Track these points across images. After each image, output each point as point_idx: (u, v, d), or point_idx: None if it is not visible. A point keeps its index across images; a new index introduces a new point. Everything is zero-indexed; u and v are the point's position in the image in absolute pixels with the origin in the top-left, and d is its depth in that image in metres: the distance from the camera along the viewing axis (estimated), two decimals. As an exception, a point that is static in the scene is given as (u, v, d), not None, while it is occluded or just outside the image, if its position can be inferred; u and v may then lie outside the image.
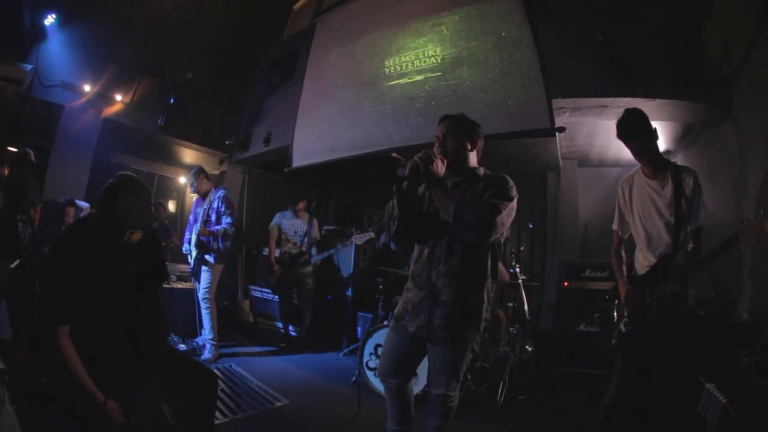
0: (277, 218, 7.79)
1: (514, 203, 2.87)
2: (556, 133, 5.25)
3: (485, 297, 2.95)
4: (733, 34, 4.86)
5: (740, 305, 4.48)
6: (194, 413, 2.78)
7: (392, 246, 7.60)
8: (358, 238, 7.26)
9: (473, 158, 3.15)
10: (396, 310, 3.19)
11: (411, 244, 3.31)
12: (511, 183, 2.96)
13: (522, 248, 6.77)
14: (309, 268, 7.46)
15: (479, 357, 5.27)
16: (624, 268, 3.69)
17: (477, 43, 5.98)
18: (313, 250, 7.56)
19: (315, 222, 7.75)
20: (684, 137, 6.21)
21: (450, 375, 2.97)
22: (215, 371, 5.53)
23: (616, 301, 3.68)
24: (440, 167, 2.84)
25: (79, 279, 2.49)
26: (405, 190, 2.90)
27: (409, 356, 3.13)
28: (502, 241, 3.18)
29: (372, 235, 7.30)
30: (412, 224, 2.99)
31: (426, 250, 3.03)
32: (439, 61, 6.33)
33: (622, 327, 3.49)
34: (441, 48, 6.33)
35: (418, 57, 6.57)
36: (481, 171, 3.12)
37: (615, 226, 3.81)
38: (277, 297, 7.83)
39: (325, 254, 7.48)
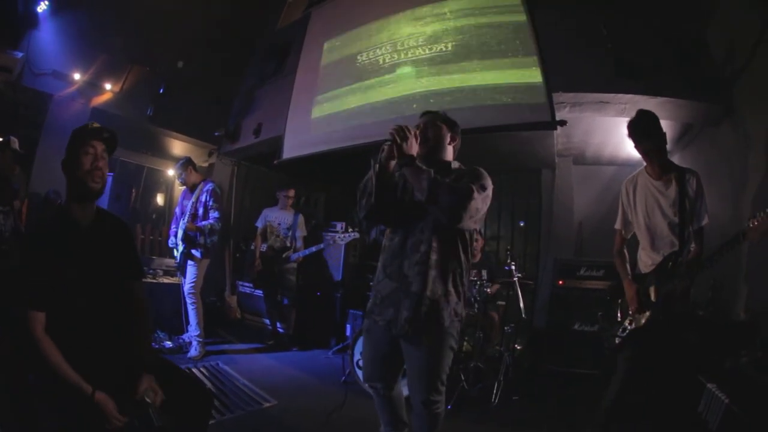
0: (264, 213, 7.72)
1: (489, 192, 2.81)
2: (555, 128, 5.18)
3: (456, 288, 2.87)
4: (737, 34, 4.86)
5: (738, 305, 4.50)
6: (182, 420, 2.68)
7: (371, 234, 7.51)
8: (341, 238, 7.17)
9: (451, 153, 3.12)
10: (367, 306, 3.10)
11: (373, 224, 3.24)
12: (486, 174, 2.89)
13: (508, 248, 6.67)
14: (291, 264, 7.36)
15: (474, 356, 5.19)
16: (627, 266, 3.69)
17: (476, 34, 5.90)
18: (300, 245, 7.44)
19: (301, 217, 7.62)
20: (682, 137, 6.20)
21: (429, 378, 2.83)
22: (202, 370, 5.46)
23: (620, 300, 3.67)
24: (413, 146, 2.78)
25: (56, 263, 2.44)
26: (383, 161, 2.79)
27: (388, 357, 3.00)
28: (477, 229, 3.11)
29: (356, 235, 7.20)
30: (389, 203, 2.90)
31: (397, 239, 2.94)
32: (435, 51, 6.24)
33: (627, 325, 3.48)
34: (438, 38, 6.24)
35: (414, 47, 6.48)
36: (456, 164, 3.09)
37: (618, 226, 3.82)
38: (260, 292, 7.74)
39: (302, 254, 7.35)
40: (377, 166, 2.81)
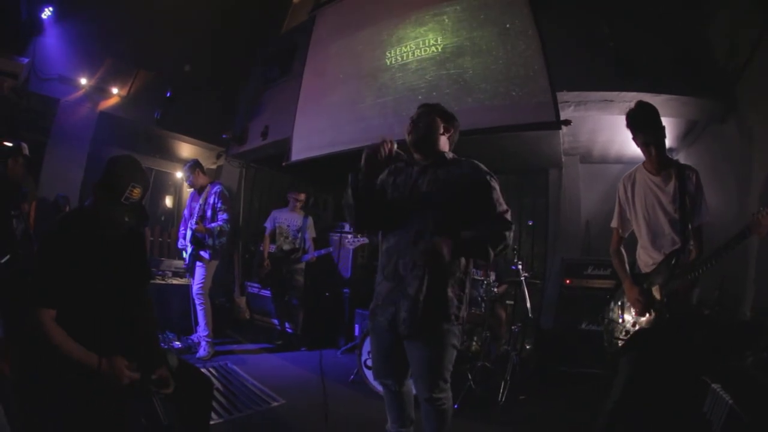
0: (273, 215, 7.76)
1: (498, 189, 2.90)
2: (560, 128, 5.17)
3: (455, 290, 2.87)
4: (739, 30, 4.83)
5: (744, 304, 4.45)
6: (188, 419, 2.72)
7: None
8: (351, 242, 7.18)
9: (444, 144, 3.12)
10: (370, 307, 3.11)
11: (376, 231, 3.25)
12: (483, 167, 2.95)
13: (515, 247, 6.66)
14: (300, 265, 7.41)
15: (480, 356, 5.19)
16: (626, 266, 3.62)
17: (480, 33, 5.90)
18: (309, 248, 7.48)
19: (310, 220, 7.68)
20: (687, 134, 6.17)
21: (431, 376, 2.85)
22: (210, 370, 5.49)
23: (620, 301, 3.61)
24: (389, 149, 2.81)
25: (71, 265, 2.47)
26: (361, 182, 2.83)
27: (395, 355, 3.01)
28: None
29: (365, 240, 7.21)
30: (374, 213, 2.94)
31: (393, 240, 2.96)
32: (440, 50, 6.26)
33: (629, 326, 3.42)
34: (442, 37, 6.26)
35: (418, 47, 6.50)
36: (450, 155, 3.09)
37: (615, 224, 3.75)
38: (268, 292, 7.78)
39: (316, 254, 7.39)
40: (353, 182, 2.86)
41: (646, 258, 3.48)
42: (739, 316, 4.38)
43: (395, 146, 2.87)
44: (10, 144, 5.64)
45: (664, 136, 3.39)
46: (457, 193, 2.85)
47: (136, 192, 2.70)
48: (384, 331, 2.95)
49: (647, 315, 3.32)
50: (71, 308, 2.44)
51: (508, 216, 2.86)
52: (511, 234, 2.84)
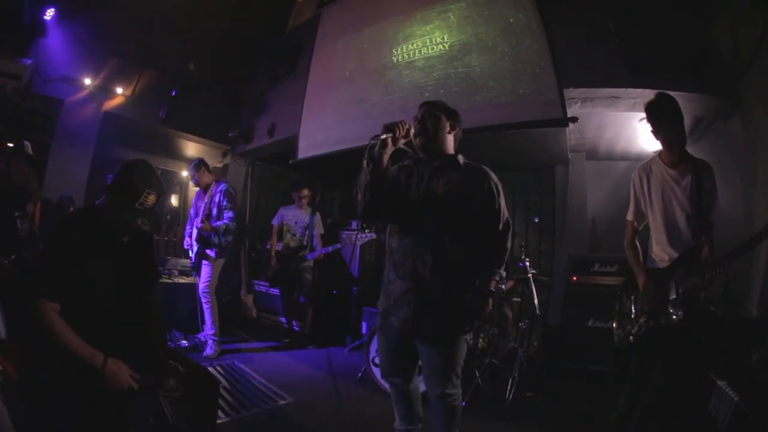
0: (280, 212, 7.74)
1: (503, 196, 2.99)
2: (567, 125, 5.15)
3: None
4: (743, 27, 4.81)
5: (750, 301, 4.42)
6: (195, 418, 2.73)
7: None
8: (358, 239, 7.17)
9: (451, 143, 3.12)
10: (381, 306, 3.11)
11: (384, 225, 3.27)
12: (494, 177, 2.99)
13: (522, 244, 6.65)
14: (307, 263, 7.38)
15: (488, 353, 5.19)
16: (641, 260, 3.53)
17: (485, 30, 5.87)
18: (317, 245, 7.46)
19: (318, 216, 7.64)
20: (693, 131, 6.13)
21: (444, 374, 2.88)
22: (217, 368, 5.50)
23: (633, 297, 3.50)
24: (405, 129, 2.88)
25: (76, 261, 2.49)
26: (377, 153, 2.81)
27: (405, 353, 3.04)
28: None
29: (373, 236, 7.20)
30: (386, 198, 2.91)
31: (407, 239, 2.94)
32: (446, 48, 6.23)
33: (642, 323, 3.32)
34: (448, 35, 6.23)
35: (425, 44, 6.46)
36: (461, 159, 3.08)
37: (630, 217, 3.63)
38: (276, 290, 7.79)
39: (323, 251, 7.37)
40: (368, 161, 2.82)
41: (662, 254, 3.37)
42: (745, 313, 4.36)
43: (412, 129, 2.92)
44: (11, 145, 5.66)
45: (685, 130, 3.30)
46: (468, 197, 2.88)
47: (151, 198, 2.72)
48: (395, 330, 2.95)
49: (662, 313, 3.21)
50: (74, 305, 2.45)
51: (509, 225, 3.04)
52: (510, 239, 3.07)
